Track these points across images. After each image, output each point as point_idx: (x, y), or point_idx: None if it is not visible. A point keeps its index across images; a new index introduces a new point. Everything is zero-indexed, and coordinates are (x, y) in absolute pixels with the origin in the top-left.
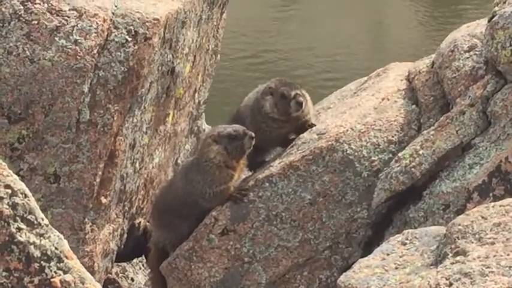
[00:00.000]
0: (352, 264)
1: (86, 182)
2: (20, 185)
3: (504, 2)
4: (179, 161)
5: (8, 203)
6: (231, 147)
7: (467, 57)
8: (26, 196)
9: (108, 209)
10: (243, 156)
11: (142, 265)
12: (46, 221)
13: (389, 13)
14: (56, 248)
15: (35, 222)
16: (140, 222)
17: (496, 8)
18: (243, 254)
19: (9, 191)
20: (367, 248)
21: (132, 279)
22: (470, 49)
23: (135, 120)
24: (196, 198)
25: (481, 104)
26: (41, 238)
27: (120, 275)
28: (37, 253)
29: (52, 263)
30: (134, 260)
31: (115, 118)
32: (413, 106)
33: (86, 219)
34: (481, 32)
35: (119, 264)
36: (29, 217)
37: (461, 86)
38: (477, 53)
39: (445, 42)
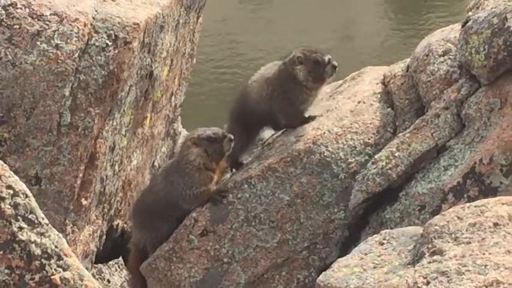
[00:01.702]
0: (330, 264)
1: (67, 184)
2: (21, 185)
3: (477, 8)
4: (156, 164)
5: (10, 203)
6: (211, 150)
7: (442, 62)
8: (27, 196)
9: (88, 210)
10: (222, 158)
11: (118, 266)
12: (46, 221)
13: (358, 23)
14: (55, 247)
15: (36, 221)
16: (118, 223)
17: (470, 13)
18: (222, 254)
19: (11, 191)
20: (344, 249)
21: (109, 281)
22: (444, 53)
23: (114, 123)
24: (176, 200)
25: (455, 107)
26: (42, 237)
27: (97, 276)
28: (38, 251)
29: (52, 261)
30: (110, 262)
31: (95, 121)
32: (389, 109)
33: (67, 221)
34: (455, 36)
35: (95, 265)
36: (30, 216)
37: (436, 89)
38: (451, 57)
39: (420, 46)
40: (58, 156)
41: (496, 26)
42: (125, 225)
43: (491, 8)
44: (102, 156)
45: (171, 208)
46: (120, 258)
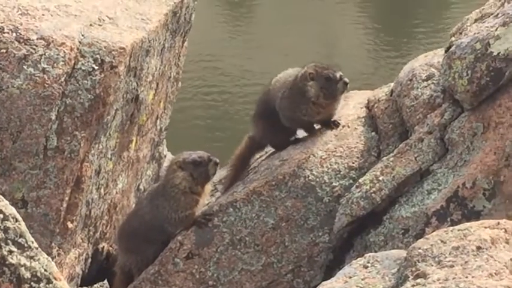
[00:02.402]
0: (314, 287)
1: (53, 208)
2: (10, 209)
3: (460, 33)
4: (141, 187)
5: (0, 227)
6: (197, 173)
7: (425, 86)
8: (16, 220)
9: (74, 233)
10: (208, 181)
11: None
12: (36, 244)
13: (341, 44)
14: (45, 270)
15: (26, 245)
16: (104, 246)
17: (453, 39)
18: (207, 277)
19: (1, 215)
20: (329, 272)
21: None
22: (428, 78)
23: (100, 146)
24: (162, 223)
25: (438, 131)
26: (31, 260)
27: None
28: (27, 275)
29: (42, 284)
30: (95, 285)
31: (82, 145)
32: (373, 133)
33: (53, 244)
34: (438, 61)
35: None
36: (19, 240)
37: (419, 114)
38: (435, 82)
39: (404, 71)
40: (44, 180)
41: (479, 52)
42: (110, 248)
43: (474, 34)
44: (88, 179)
45: (157, 231)
46: (105, 281)
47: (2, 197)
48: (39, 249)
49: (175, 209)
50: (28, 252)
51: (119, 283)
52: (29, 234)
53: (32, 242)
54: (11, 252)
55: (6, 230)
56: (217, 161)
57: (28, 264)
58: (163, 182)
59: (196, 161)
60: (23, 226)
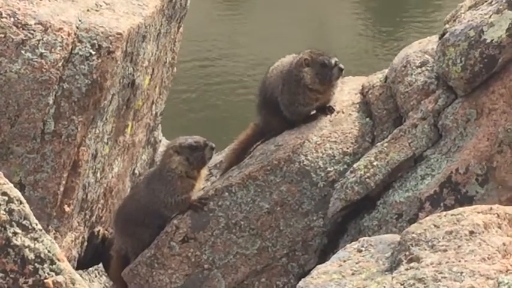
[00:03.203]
0: (308, 271)
1: (50, 191)
2: (15, 192)
3: (454, 20)
4: (136, 171)
5: (5, 209)
6: (193, 158)
7: (419, 73)
8: (21, 203)
9: (70, 217)
10: (204, 166)
11: (98, 273)
12: (39, 226)
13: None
14: (48, 251)
15: (30, 227)
16: (99, 230)
17: (447, 26)
18: (203, 261)
19: (6, 197)
20: (323, 256)
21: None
22: (422, 65)
23: (97, 131)
24: (158, 207)
25: (432, 117)
26: (35, 242)
27: None
28: (31, 256)
29: (45, 265)
30: (90, 268)
31: (79, 129)
32: (367, 119)
33: (50, 227)
34: (432, 48)
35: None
36: (24, 222)
37: (413, 100)
38: (429, 68)
39: (398, 57)
40: (42, 164)
41: (472, 39)
42: (106, 231)
43: (468, 21)
44: (85, 163)
45: (153, 215)
46: (100, 265)
47: (7, 180)
48: (43, 231)
49: (172, 193)
50: (32, 234)
51: (115, 266)
52: (33, 216)
53: (36, 224)
54: (15, 233)
55: (10, 212)
56: (213, 145)
57: (32, 245)
58: (159, 166)
59: (192, 146)
60: (27, 208)
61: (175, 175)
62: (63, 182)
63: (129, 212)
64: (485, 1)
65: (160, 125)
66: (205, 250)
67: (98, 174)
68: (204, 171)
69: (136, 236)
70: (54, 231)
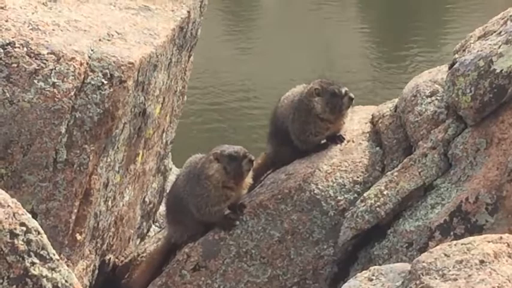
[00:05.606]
0: None
1: (62, 220)
2: (33, 222)
3: (464, 50)
4: (146, 199)
5: (23, 239)
6: (230, 168)
7: (429, 102)
8: (39, 233)
9: (82, 245)
10: (241, 177)
11: None
12: (57, 256)
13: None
14: (66, 281)
15: (47, 257)
16: (110, 258)
17: (456, 56)
18: None
19: (24, 228)
20: (333, 284)
21: None
22: (432, 94)
23: (109, 159)
24: (191, 208)
25: (442, 147)
26: (53, 272)
27: None
28: (49, 285)
29: None
30: None
31: (91, 158)
32: (378, 148)
33: (62, 255)
34: (442, 78)
35: None
36: (41, 252)
37: (423, 129)
38: (438, 98)
39: (408, 87)
40: (54, 192)
41: (482, 69)
42: (116, 259)
43: (477, 51)
44: (97, 192)
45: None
46: None
47: (25, 210)
48: (60, 261)
49: (206, 200)
50: (50, 264)
51: (156, 253)
52: (51, 246)
53: (54, 254)
54: (33, 263)
55: (28, 242)
56: (253, 158)
57: (50, 275)
58: (199, 169)
59: (231, 155)
60: (45, 239)
61: (210, 183)
62: (75, 211)
63: (173, 201)
64: (494, 31)
65: (170, 153)
66: (216, 278)
67: (109, 203)
68: (247, 181)
69: (184, 223)
70: (66, 260)
